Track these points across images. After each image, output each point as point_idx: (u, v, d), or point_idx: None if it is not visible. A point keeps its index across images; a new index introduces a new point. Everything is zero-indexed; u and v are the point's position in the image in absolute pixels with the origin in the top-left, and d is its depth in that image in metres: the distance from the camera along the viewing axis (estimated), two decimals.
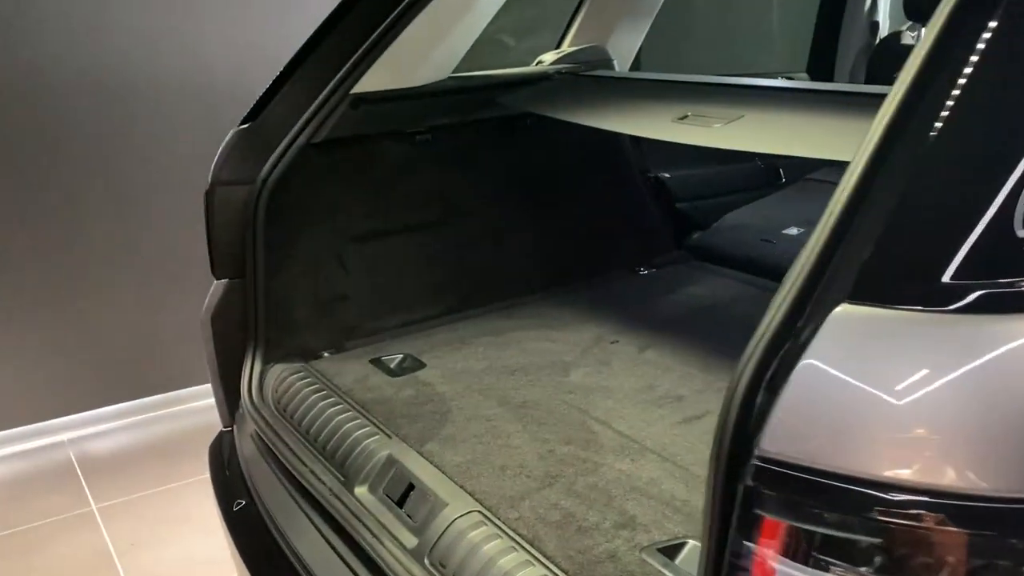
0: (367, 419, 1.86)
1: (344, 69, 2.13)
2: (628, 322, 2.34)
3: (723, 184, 3.28)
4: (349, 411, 1.89)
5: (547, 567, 1.36)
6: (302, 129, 2.12)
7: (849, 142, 0.98)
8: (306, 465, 1.79)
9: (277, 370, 2.12)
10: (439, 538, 1.47)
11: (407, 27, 2.14)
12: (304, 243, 2.19)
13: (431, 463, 1.68)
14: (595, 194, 2.76)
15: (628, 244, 2.85)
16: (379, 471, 1.70)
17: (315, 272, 2.22)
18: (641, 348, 2.18)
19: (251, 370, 2.14)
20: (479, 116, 2.44)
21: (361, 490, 1.68)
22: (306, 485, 1.76)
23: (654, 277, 2.79)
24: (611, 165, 2.82)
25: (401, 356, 2.20)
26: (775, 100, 1.99)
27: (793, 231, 2.99)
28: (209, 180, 2.07)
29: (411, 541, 1.52)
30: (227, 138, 2.08)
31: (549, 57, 2.80)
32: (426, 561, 1.46)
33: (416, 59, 2.25)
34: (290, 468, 1.82)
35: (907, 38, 3.60)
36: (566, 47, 2.90)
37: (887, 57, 3.55)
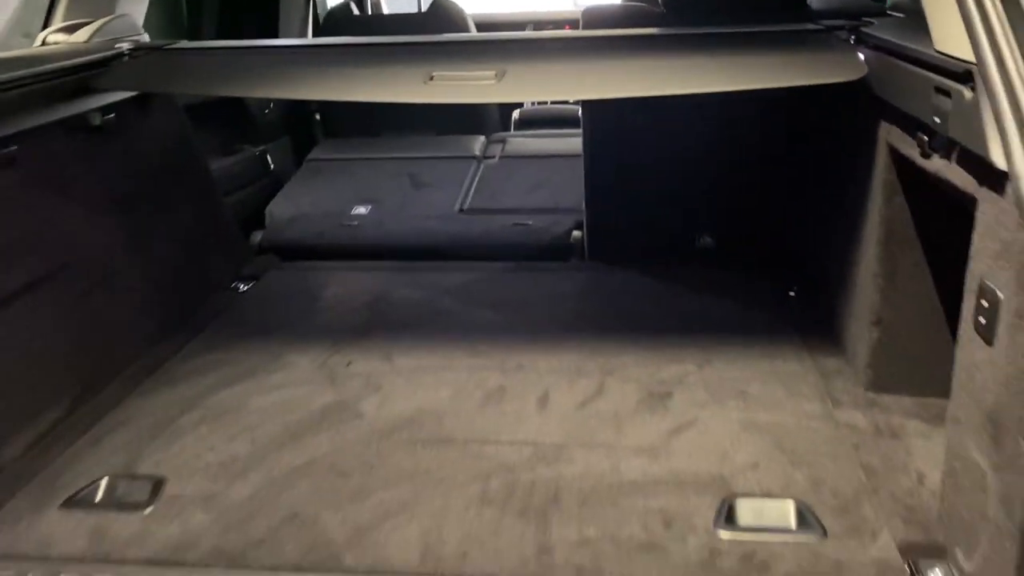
0: (197, 572, 1.25)
1: None
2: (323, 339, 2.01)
3: (232, 180, 2.94)
4: None
5: None
6: None
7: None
8: None
9: None
10: None
11: None
12: None
13: (376, 573, 1.25)
14: (183, 205, 2.23)
15: (219, 260, 2.41)
16: None
17: None
18: (387, 357, 1.92)
19: None
20: (60, 116, 1.73)
21: None
22: None
23: (267, 287, 2.40)
24: (190, 169, 2.32)
25: (105, 481, 1.51)
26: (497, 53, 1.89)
27: (362, 210, 2.86)
28: None
29: None
30: None
31: (56, 37, 2.11)
32: None
33: None
34: None
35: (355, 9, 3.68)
36: (59, 22, 2.23)
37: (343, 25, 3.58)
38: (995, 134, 1.09)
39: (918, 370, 1.59)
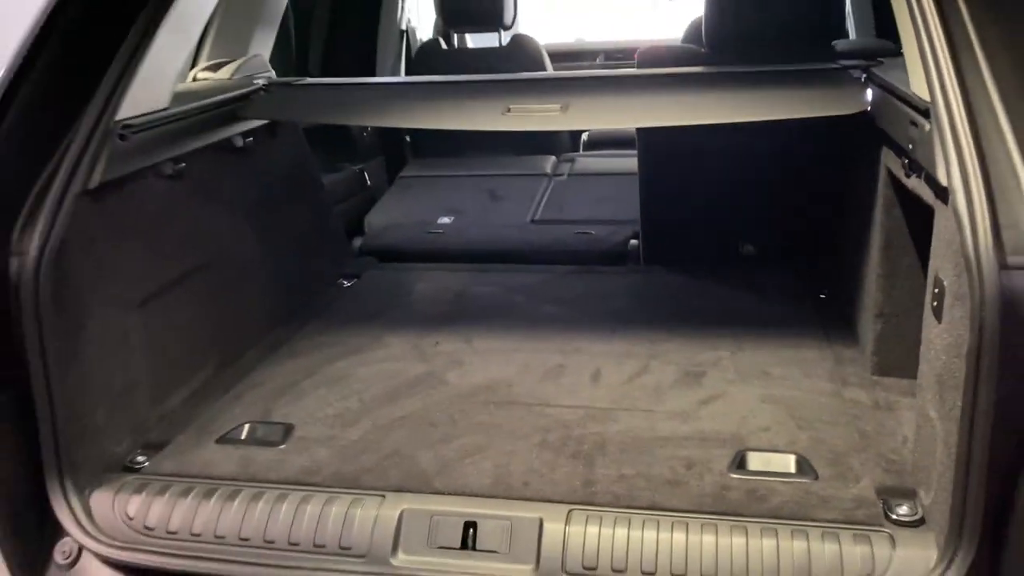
0: (320, 491, 1.65)
1: (105, 91, 1.73)
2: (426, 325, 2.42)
3: (338, 193, 3.39)
4: (291, 492, 1.65)
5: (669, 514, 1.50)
6: (72, 173, 1.67)
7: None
8: (292, 568, 1.55)
9: (110, 495, 1.70)
10: (563, 551, 1.50)
11: (157, 37, 1.83)
12: (93, 323, 1.74)
13: (456, 495, 1.62)
14: (302, 214, 2.68)
15: (328, 261, 2.84)
16: (406, 529, 1.57)
17: (106, 358, 1.78)
18: (467, 340, 2.29)
19: (68, 504, 1.65)
20: (215, 139, 2.18)
21: (403, 558, 1.55)
22: None
23: (367, 284, 2.82)
24: (308, 184, 2.77)
25: (247, 425, 1.92)
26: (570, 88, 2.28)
27: (447, 220, 3.27)
28: None
29: (521, 571, 1.50)
30: None
31: (204, 74, 2.58)
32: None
33: (163, 78, 1.94)
34: None
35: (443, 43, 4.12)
36: (205, 61, 2.71)
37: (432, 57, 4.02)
38: (942, 158, 1.41)
39: (914, 355, 1.90)
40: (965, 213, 1.33)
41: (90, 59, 1.77)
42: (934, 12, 1.47)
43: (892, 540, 1.45)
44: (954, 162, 1.37)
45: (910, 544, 1.45)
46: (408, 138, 4.10)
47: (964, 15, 1.48)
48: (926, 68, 1.47)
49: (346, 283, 2.83)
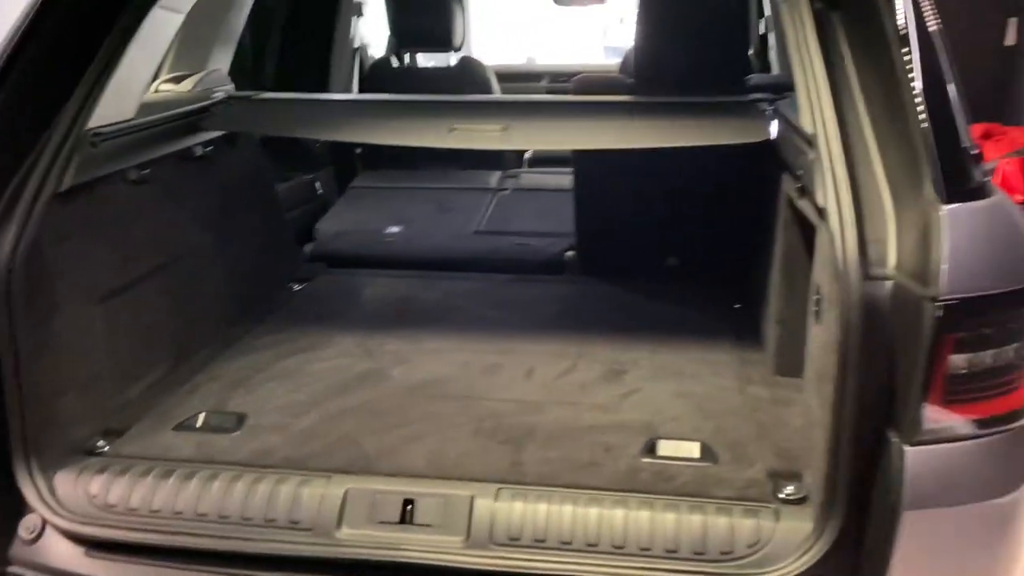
0: (272, 472, 1.81)
1: (77, 101, 1.88)
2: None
3: (289, 201, 3.54)
4: (245, 473, 1.81)
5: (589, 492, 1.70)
6: (44, 176, 1.81)
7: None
8: (245, 539, 1.70)
9: (73, 475, 1.83)
10: (491, 524, 1.68)
11: (127, 51, 1.99)
12: (61, 317, 1.88)
13: (396, 476, 1.79)
14: (257, 220, 2.83)
15: (280, 265, 3.00)
16: (350, 506, 1.73)
17: (72, 350, 1.92)
18: (412, 340, 2.48)
19: (34, 483, 1.78)
20: (177, 148, 2.33)
21: (347, 531, 1.70)
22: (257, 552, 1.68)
23: (317, 288, 2.98)
24: (263, 192, 2.92)
25: (203, 414, 2.07)
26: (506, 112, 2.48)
27: (395, 229, 3.45)
28: None
29: (453, 543, 1.67)
30: None
31: (167, 86, 2.73)
32: (492, 547, 1.67)
33: (132, 89, 2.10)
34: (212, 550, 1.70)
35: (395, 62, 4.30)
36: (167, 73, 2.85)
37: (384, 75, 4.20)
38: (820, 183, 1.65)
39: None
40: (837, 231, 1.56)
41: (62, 69, 1.91)
42: (819, 57, 1.71)
43: (776, 514, 1.67)
44: (830, 187, 1.60)
45: (792, 518, 1.66)
46: (358, 150, 4.26)
47: (847, 61, 1.73)
48: (811, 104, 1.70)
49: (297, 287, 2.99)
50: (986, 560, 1.57)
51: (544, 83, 5.26)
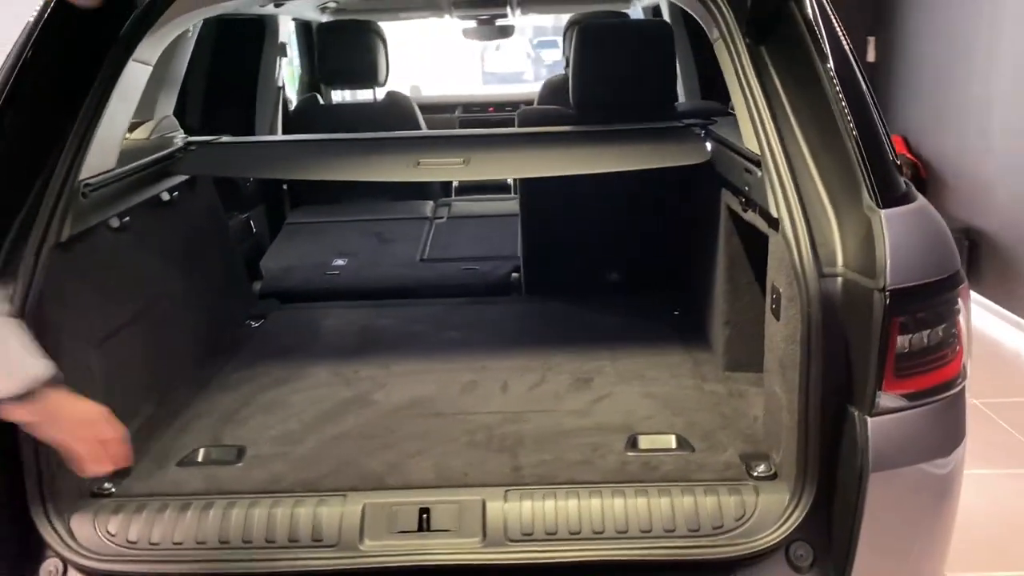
0: (287, 496, 1.90)
1: (70, 153, 1.95)
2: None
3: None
4: (260, 499, 1.90)
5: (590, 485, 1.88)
6: (46, 228, 1.88)
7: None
8: (272, 560, 1.80)
9: (90, 517, 1.89)
10: (504, 523, 1.83)
11: (109, 104, 2.08)
12: (65, 364, 1.92)
13: (408, 488, 1.93)
14: (216, 259, 2.90)
15: (238, 302, 3.07)
16: (369, 520, 1.85)
17: (78, 393, 1.97)
18: (383, 366, 2.59)
19: (53, 527, 1.83)
20: (149, 195, 2.40)
21: (370, 543, 1.83)
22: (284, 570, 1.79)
23: (275, 323, 3.05)
24: (220, 232, 2.99)
25: (203, 449, 2.15)
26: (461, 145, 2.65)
27: (341, 262, 3.55)
28: None
29: (472, 543, 1.81)
30: None
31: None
32: (509, 543, 1.82)
33: (113, 138, 2.18)
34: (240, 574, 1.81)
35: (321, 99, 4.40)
36: None
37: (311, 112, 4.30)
38: (772, 197, 1.89)
39: (756, 353, 2.37)
40: (792, 237, 1.80)
41: (47, 124, 1.98)
42: (758, 87, 1.97)
43: (756, 490, 1.89)
44: (781, 200, 1.85)
45: (770, 492, 1.89)
46: (285, 187, 4.33)
47: (779, 89, 1.99)
48: (755, 130, 1.95)
49: (254, 323, 3.06)
50: (936, 507, 1.85)
51: (458, 114, 5.47)
